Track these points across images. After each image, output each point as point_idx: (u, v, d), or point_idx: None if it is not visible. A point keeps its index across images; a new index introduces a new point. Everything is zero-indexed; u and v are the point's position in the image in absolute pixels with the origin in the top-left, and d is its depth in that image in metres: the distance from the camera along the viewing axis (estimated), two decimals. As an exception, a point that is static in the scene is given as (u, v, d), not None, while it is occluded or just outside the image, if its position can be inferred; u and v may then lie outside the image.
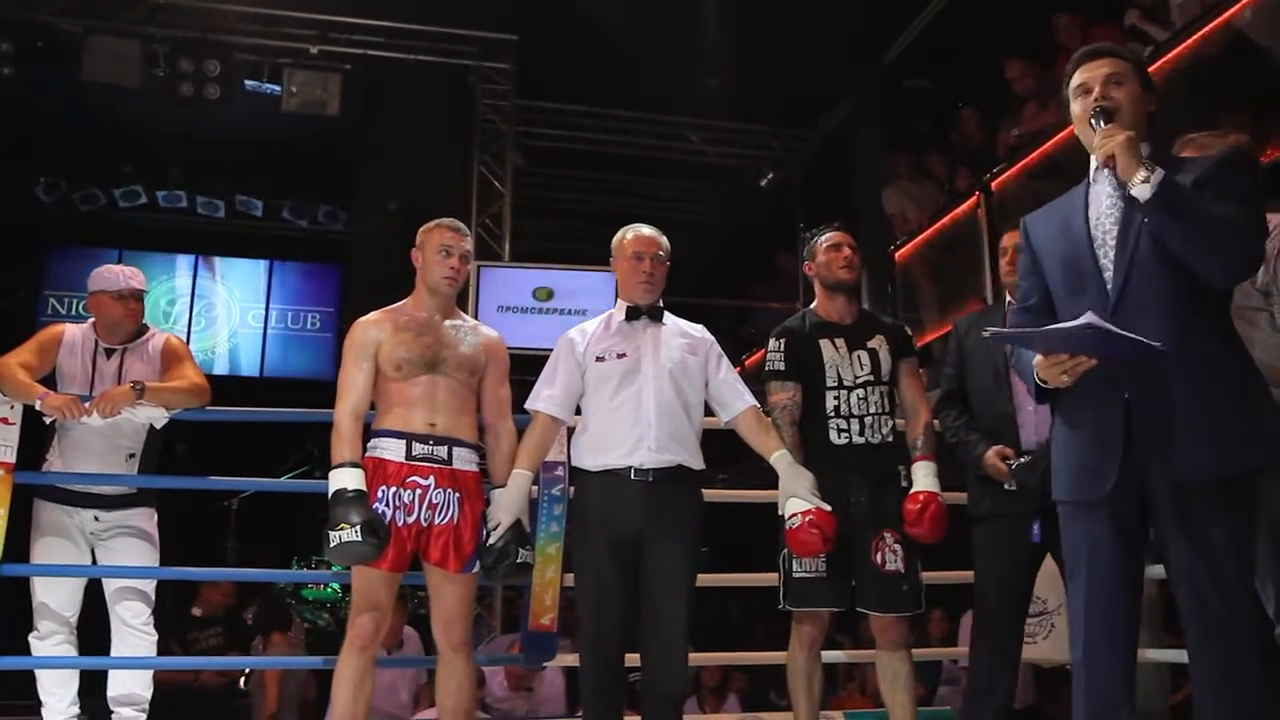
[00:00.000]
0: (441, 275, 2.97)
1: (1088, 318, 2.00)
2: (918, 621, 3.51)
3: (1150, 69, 4.33)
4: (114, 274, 3.51)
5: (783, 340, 3.12)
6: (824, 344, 3.08)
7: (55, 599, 3.33)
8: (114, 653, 3.41)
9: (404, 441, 2.85)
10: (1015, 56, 6.23)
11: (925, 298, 6.94)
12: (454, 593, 2.88)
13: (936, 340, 6.48)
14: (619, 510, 2.86)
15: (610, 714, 2.87)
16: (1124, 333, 2.00)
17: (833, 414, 3.02)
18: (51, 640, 3.33)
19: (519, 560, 2.85)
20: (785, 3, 7.43)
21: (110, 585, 3.40)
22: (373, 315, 3.00)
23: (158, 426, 3.39)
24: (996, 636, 3.04)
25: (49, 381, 3.34)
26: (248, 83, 7.83)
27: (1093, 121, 2.16)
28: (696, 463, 2.96)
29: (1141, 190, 2.04)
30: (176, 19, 7.69)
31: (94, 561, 3.40)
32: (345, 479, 2.76)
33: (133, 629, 3.38)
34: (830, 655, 3.70)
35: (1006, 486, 2.97)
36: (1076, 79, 2.23)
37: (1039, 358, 2.18)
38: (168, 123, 8.10)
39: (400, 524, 2.81)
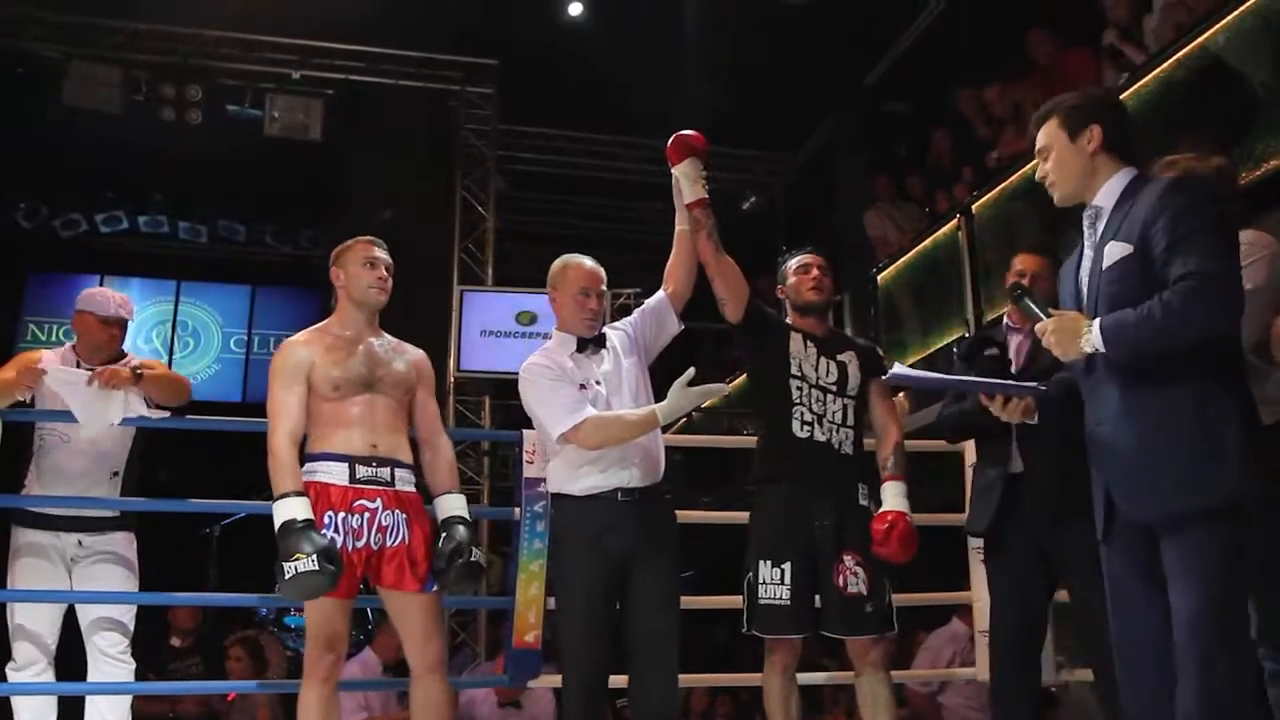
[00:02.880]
0: (368, 285, 2.91)
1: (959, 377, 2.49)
2: (902, 643, 3.48)
3: (1124, 94, 4.42)
4: (105, 299, 3.47)
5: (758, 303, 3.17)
6: (794, 336, 3.11)
7: (35, 624, 3.27)
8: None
9: (346, 464, 2.78)
10: (992, 80, 6.28)
11: (907, 320, 6.97)
12: (421, 613, 2.84)
13: (919, 362, 6.50)
14: (609, 532, 2.83)
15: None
16: (981, 380, 2.54)
17: (796, 402, 3.02)
18: (29, 671, 3.28)
19: (473, 559, 2.78)
20: (766, 28, 7.50)
21: (87, 615, 3.34)
22: (300, 335, 2.92)
23: (138, 413, 3.28)
24: (1009, 661, 2.91)
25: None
26: (230, 108, 7.85)
27: (1018, 303, 2.47)
28: (662, 479, 2.97)
29: (1092, 343, 2.12)
30: (158, 44, 7.72)
31: (71, 587, 3.35)
32: (293, 509, 2.66)
33: (110, 659, 3.33)
34: (811, 677, 3.69)
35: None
36: None
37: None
38: (149, 148, 8.07)
39: (350, 549, 2.73)
